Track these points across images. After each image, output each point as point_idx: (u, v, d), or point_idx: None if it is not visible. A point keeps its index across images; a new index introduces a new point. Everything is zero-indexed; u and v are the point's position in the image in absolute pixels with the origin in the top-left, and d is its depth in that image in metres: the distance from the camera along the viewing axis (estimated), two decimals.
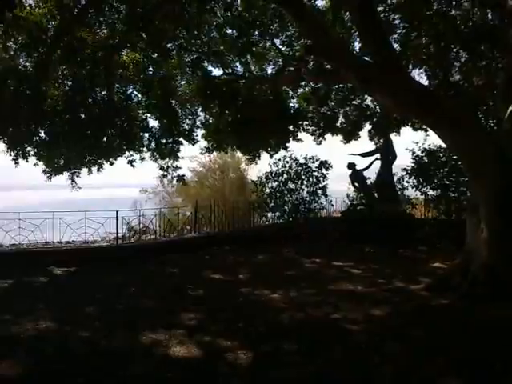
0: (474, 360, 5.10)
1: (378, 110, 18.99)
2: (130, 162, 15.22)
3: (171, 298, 8.20)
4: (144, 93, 15.73)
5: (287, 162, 16.42)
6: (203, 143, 18.57)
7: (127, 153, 15.16)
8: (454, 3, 13.48)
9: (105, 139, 14.29)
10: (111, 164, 15.17)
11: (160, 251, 12.28)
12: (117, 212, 12.27)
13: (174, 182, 16.40)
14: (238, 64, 17.11)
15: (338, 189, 19.31)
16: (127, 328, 6.40)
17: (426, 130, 19.04)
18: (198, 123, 18.14)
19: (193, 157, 25.51)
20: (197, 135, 17.84)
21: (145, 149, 15.34)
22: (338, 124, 19.40)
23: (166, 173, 15.83)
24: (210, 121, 18.16)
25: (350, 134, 19.49)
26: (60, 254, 11.24)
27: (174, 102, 17.39)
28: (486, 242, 7.96)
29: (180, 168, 16.01)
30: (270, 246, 13.73)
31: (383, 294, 8.21)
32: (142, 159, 15.37)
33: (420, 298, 7.93)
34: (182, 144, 16.77)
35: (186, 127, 17.86)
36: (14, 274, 9.97)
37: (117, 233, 12.16)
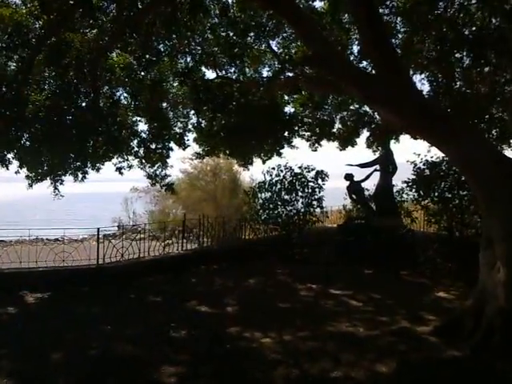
0: None
1: (377, 116, 18.10)
2: (119, 169, 14.18)
3: (150, 342, 7.19)
4: (133, 96, 14.77)
5: (281, 171, 15.33)
6: (195, 147, 17.67)
7: (115, 159, 14.17)
8: (458, 7, 12.50)
9: (90, 145, 13.24)
10: (97, 170, 14.12)
11: (143, 272, 11.19)
12: (98, 230, 11.14)
13: (163, 191, 15.25)
14: (232, 67, 16.21)
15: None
16: None
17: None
18: (190, 126, 17.26)
19: (184, 158, 24.54)
20: (188, 139, 16.96)
21: (132, 156, 14.23)
22: (335, 130, 18.51)
23: (153, 181, 14.74)
24: (203, 124, 17.24)
25: (346, 141, 18.59)
26: (34, 277, 10.08)
27: (165, 104, 16.53)
28: (503, 283, 6.99)
29: (169, 176, 14.93)
30: (262, 264, 12.75)
31: (388, 339, 7.25)
32: (130, 167, 14.29)
33: (429, 346, 6.98)
34: (172, 150, 15.79)
35: (178, 131, 16.97)
36: None
37: (97, 253, 10.89)
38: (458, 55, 13.38)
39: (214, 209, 23.37)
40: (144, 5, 10.89)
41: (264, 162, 17.77)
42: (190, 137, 17.27)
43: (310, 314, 8.54)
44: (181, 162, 25.33)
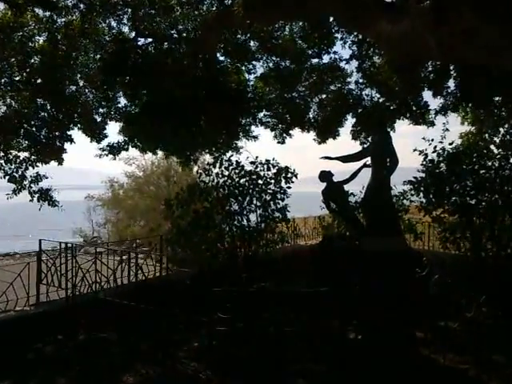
0: None
1: (365, 96, 12.83)
2: None
3: None
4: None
5: (226, 168, 9.58)
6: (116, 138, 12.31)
7: None
8: None
9: None
10: None
11: None
12: None
13: (35, 200, 9.41)
14: (164, 25, 11.06)
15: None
16: None
17: (433, 124, 12.90)
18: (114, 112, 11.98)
19: (129, 159, 18.96)
20: (104, 128, 11.71)
21: None
22: (310, 116, 13.26)
23: (18, 186, 9.01)
24: (130, 109, 12.00)
25: (326, 130, 13.28)
26: None
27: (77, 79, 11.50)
28: None
29: (44, 178, 9.26)
30: (165, 329, 6.82)
31: None
32: None
33: None
34: (71, 141, 10.41)
35: (98, 118, 11.82)
36: None
37: None
38: None
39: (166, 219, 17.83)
40: None
41: (216, 160, 12.29)
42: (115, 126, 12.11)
43: None
44: (125, 163, 19.88)
